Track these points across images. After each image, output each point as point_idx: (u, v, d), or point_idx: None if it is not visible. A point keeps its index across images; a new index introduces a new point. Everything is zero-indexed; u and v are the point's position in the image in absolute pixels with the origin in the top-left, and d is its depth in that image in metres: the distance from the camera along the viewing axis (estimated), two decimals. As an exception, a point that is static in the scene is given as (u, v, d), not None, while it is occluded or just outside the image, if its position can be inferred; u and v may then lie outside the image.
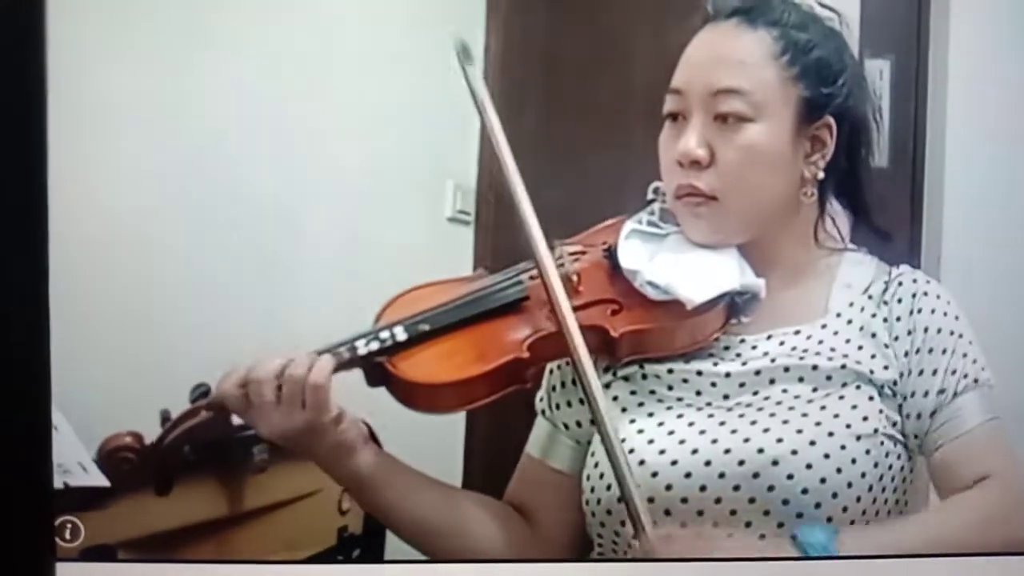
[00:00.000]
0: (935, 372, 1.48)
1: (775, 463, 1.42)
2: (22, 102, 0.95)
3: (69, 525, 1.47)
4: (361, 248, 2.38)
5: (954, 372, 1.48)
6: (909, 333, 1.49)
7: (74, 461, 1.51)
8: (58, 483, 1.44)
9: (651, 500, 1.43)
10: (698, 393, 1.49)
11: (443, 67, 2.58)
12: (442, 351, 1.49)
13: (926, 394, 1.48)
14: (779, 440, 1.42)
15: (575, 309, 1.48)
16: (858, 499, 1.42)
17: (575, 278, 1.52)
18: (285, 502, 1.79)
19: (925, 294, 1.51)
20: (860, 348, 1.49)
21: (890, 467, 1.46)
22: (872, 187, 1.57)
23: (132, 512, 1.55)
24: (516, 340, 1.48)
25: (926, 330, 1.49)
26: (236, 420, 1.50)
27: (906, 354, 1.49)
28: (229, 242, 2.11)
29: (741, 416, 1.45)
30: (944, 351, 1.49)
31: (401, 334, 1.48)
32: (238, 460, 1.62)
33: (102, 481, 1.51)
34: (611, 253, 1.54)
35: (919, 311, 1.50)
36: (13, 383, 1.05)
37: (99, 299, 1.87)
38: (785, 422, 1.44)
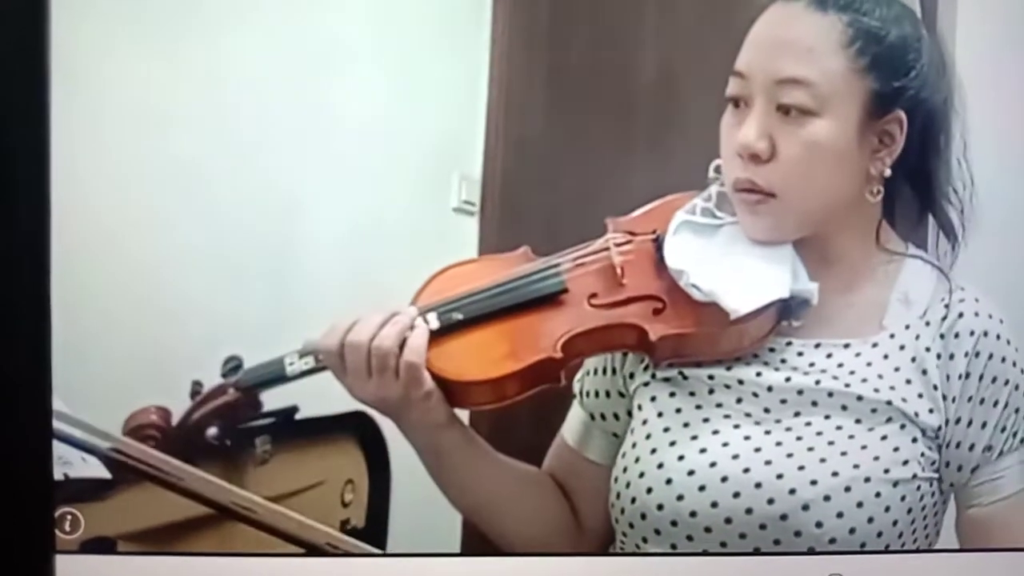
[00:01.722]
0: (984, 425, 1.42)
1: (805, 508, 1.35)
2: (24, 87, 0.94)
3: (69, 517, 1.46)
4: (366, 238, 2.37)
5: (1003, 429, 1.43)
6: (962, 377, 1.41)
7: (75, 452, 1.50)
8: (58, 474, 1.43)
9: (674, 524, 1.38)
10: (739, 401, 1.42)
11: (449, 60, 2.58)
12: (474, 344, 1.46)
13: (972, 447, 1.41)
14: (813, 482, 1.35)
15: (617, 304, 1.45)
16: (887, 547, 1.37)
17: (619, 270, 1.47)
18: (287, 494, 1.78)
19: (985, 334, 1.43)
20: (908, 382, 1.41)
21: (923, 508, 1.40)
22: (945, 182, 1.49)
23: (132, 504, 1.54)
24: (550, 338, 1.44)
25: (981, 378, 1.42)
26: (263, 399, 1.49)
27: (954, 399, 1.41)
28: (234, 229, 2.10)
29: (778, 444, 1.39)
30: (996, 403, 1.42)
31: (434, 322, 1.45)
32: (241, 452, 1.61)
33: (103, 472, 1.51)
34: (659, 244, 1.48)
35: (977, 355, 1.43)
36: (13, 373, 1.04)
37: (101, 285, 1.86)
38: (822, 460, 1.37)
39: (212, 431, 1.48)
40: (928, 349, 1.42)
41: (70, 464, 1.48)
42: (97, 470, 1.50)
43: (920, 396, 1.40)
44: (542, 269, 1.48)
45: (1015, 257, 2.02)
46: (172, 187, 2.04)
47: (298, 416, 1.64)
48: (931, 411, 1.40)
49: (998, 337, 1.43)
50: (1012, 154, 2.05)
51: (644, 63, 2.43)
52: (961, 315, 1.43)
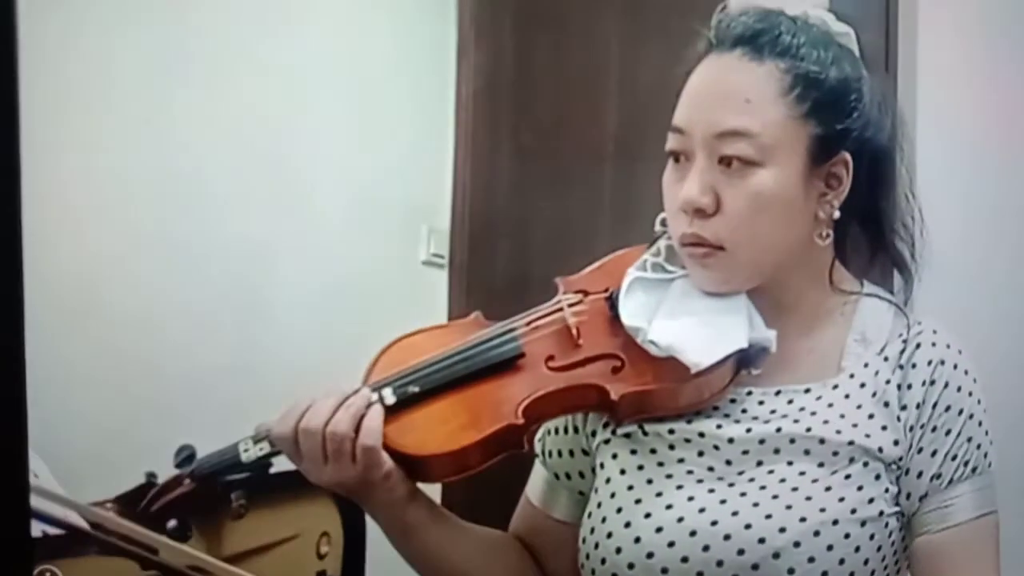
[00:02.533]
0: (935, 453, 1.37)
1: (776, 556, 1.31)
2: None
3: (48, 573, 1.46)
4: (337, 291, 2.37)
5: (954, 458, 1.38)
6: (918, 406, 1.36)
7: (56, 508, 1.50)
8: (36, 531, 1.43)
9: None
10: (700, 455, 1.39)
11: (414, 112, 2.60)
12: (433, 416, 1.41)
13: (920, 475, 1.37)
14: (781, 530, 1.31)
15: (575, 365, 1.42)
16: None
17: (575, 331, 1.45)
18: (264, 547, 1.78)
19: (942, 362, 1.39)
20: (871, 417, 1.37)
21: (892, 543, 1.37)
22: (895, 219, 1.47)
23: (111, 560, 1.54)
24: (510, 404, 1.38)
25: (935, 406, 1.37)
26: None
27: (911, 428, 1.39)
28: (205, 286, 2.11)
29: (743, 495, 1.35)
30: (949, 432, 1.37)
31: (390, 397, 1.40)
32: (217, 507, 1.61)
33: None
34: (613, 302, 1.46)
35: (933, 383, 1.38)
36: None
37: (78, 339, 1.87)
38: (788, 507, 1.33)
39: (172, 523, 1.45)
40: (888, 382, 1.40)
41: (48, 521, 1.48)
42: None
43: (884, 428, 1.38)
44: (497, 335, 1.44)
45: (989, 267, 2.06)
46: (137, 248, 2.05)
47: (273, 470, 1.64)
48: (896, 442, 1.38)
49: (955, 367, 1.40)
50: (973, 188, 2.08)
51: (608, 115, 2.45)
52: (919, 346, 1.41)
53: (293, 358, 2.17)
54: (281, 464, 1.55)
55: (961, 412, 1.37)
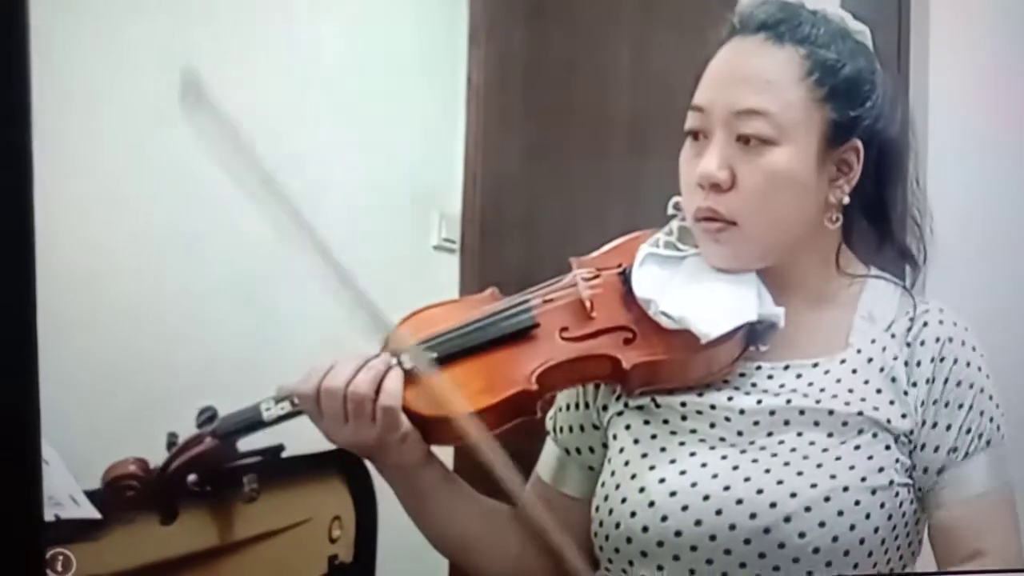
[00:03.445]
0: (949, 428, 1.42)
1: (787, 520, 1.36)
2: (5, 130, 0.96)
3: (61, 557, 1.46)
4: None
5: (968, 431, 1.42)
6: (928, 382, 1.43)
7: (65, 494, 1.51)
8: (49, 515, 1.44)
9: (660, 544, 1.38)
10: (712, 426, 1.42)
11: (426, 99, 2.61)
12: (450, 380, 1.46)
13: (936, 449, 1.42)
14: (793, 495, 1.36)
15: (588, 336, 1.45)
16: (870, 554, 1.36)
17: (588, 304, 1.48)
18: (276, 531, 1.79)
19: (950, 340, 1.44)
20: (879, 392, 1.42)
21: (904, 515, 1.40)
22: (901, 209, 1.50)
23: (123, 543, 1.55)
24: (525, 371, 1.42)
25: (946, 381, 1.43)
26: (241, 446, 1.49)
27: (922, 404, 1.42)
28: (214, 272, 2.12)
29: (755, 461, 1.39)
30: (961, 406, 1.43)
31: (407, 362, 1.44)
32: (229, 490, 1.62)
33: (93, 513, 1.51)
34: (626, 277, 1.49)
35: (942, 360, 1.44)
36: (1, 416, 1.06)
37: (87, 329, 1.88)
38: (800, 473, 1.37)
39: (192, 477, 1.47)
40: (895, 358, 1.43)
41: (61, 505, 1.49)
42: (88, 511, 1.51)
43: (892, 403, 1.41)
44: (512, 306, 1.48)
45: (997, 262, 2.06)
46: (150, 230, 2.05)
47: (284, 454, 1.65)
48: (903, 416, 1.41)
49: (963, 343, 1.44)
50: (984, 182, 2.09)
51: (618, 103, 2.46)
52: (926, 324, 1.44)
53: (306, 341, 2.18)
54: (293, 448, 1.57)
55: (972, 386, 1.41)
